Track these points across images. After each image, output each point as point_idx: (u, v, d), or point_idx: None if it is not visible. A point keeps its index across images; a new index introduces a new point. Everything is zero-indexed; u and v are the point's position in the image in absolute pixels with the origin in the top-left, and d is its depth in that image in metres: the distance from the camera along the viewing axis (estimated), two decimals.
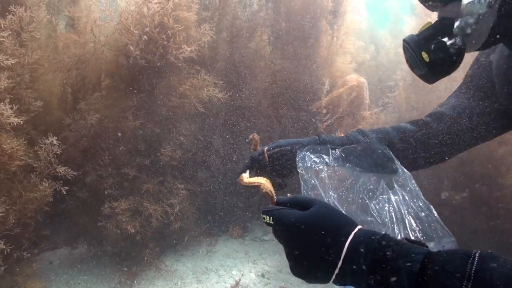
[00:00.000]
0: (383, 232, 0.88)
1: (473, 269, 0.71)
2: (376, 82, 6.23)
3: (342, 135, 1.57)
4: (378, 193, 1.28)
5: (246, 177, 1.23)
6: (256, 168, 1.50)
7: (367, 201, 1.27)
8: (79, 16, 3.71)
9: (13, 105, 3.04)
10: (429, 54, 1.10)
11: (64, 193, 3.24)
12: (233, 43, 4.58)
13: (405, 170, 1.33)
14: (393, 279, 0.77)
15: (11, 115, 2.98)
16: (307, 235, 0.90)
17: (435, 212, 1.20)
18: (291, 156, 1.46)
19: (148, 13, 3.69)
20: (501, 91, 1.39)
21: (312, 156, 1.42)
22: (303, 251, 0.91)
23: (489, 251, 0.75)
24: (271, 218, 0.98)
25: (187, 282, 4.07)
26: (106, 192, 3.61)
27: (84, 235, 4.04)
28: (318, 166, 1.38)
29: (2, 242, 2.92)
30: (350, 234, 0.88)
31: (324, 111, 4.52)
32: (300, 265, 0.93)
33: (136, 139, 3.79)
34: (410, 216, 1.19)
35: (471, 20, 1.00)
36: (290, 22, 4.75)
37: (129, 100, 3.78)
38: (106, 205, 3.55)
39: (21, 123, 3.05)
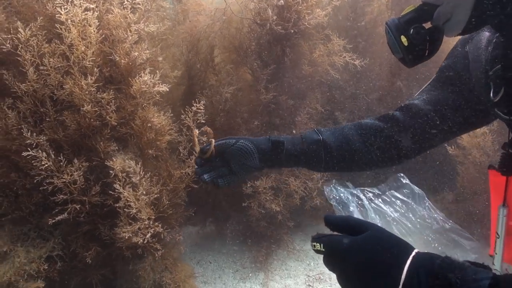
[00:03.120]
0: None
1: None
2: None
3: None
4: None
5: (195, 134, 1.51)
6: (205, 158, 1.42)
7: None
8: None
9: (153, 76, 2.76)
10: (407, 38, 1.07)
11: None
12: (352, 7, 4.12)
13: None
14: None
15: (157, 84, 2.70)
16: (363, 262, 0.83)
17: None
18: (234, 148, 1.38)
19: None
20: (478, 83, 1.26)
21: (339, 188, 1.53)
22: (359, 278, 0.83)
23: None
24: (322, 245, 0.88)
25: (320, 263, 3.73)
26: None
27: (213, 215, 3.80)
28: (347, 197, 1.53)
29: (159, 225, 2.68)
30: (408, 258, 0.80)
31: None
32: None
33: (270, 112, 3.45)
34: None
35: (451, 4, 0.99)
36: None
37: (260, 71, 3.42)
38: (248, 185, 3.25)
39: (167, 90, 2.76)
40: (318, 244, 0.90)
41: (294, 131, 3.50)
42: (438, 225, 1.96)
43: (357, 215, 1.74)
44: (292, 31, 3.35)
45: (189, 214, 3.10)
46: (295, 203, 3.46)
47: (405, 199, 1.98)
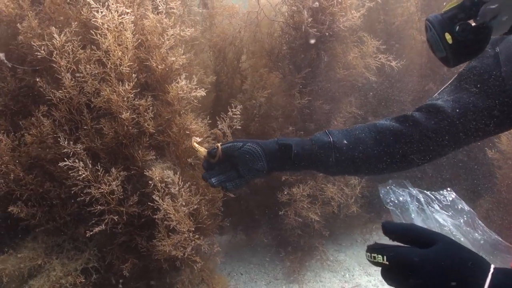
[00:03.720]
0: None
1: None
2: None
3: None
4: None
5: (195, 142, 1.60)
6: (213, 161, 1.42)
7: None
8: None
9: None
10: (452, 36, 1.01)
11: None
12: (384, 9, 3.99)
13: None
14: None
15: (194, 89, 2.59)
16: (438, 279, 0.75)
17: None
18: (242, 152, 1.34)
19: None
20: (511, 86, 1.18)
21: (397, 190, 1.37)
22: None
23: None
24: (385, 257, 0.78)
25: (355, 274, 3.57)
26: (283, 178, 3.17)
27: (243, 223, 3.67)
28: (405, 200, 1.37)
29: (201, 238, 2.56)
30: (487, 275, 0.73)
31: None
32: None
33: (305, 118, 3.32)
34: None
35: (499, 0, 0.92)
36: None
37: (294, 76, 3.30)
38: (285, 192, 3.12)
39: (204, 94, 2.66)
40: (380, 256, 0.80)
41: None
42: (492, 248, 1.81)
43: (419, 222, 1.59)
44: (327, 33, 3.23)
45: (224, 224, 2.98)
46: (330, 211, 3.32)
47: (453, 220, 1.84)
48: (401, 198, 1.55)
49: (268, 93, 3.09)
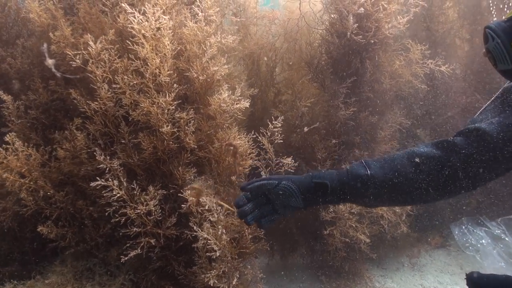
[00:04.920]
0: None
1: None
2: None
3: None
4: None
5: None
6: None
7: None
8: None
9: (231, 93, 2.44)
10: None
11: None
12: (428, 16, 3.74)
13: None
14: None
15: (237, 100, 2.36)
16: None
17: None
18: (277, 189, 1.28)
19: None
20: None
21: (474, 230, 1.30)
22: None
23: None
24: None
25: None
26: None
27: (281, 244, 3.38)
28: (487, 242, 1.27)
29: (248, 267, 2.30)
30: None
31: None
32: None
33: (348, 130, 3.06)
34: None
35: None
36: None
37: (337, 86, 3.06)
38: (330, 209, 2.84)
39: (248, 106, 2.43)
40: None
41: (374, 150, 3.10)
42: None
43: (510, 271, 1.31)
44: (372, 41, 2.99)
45: (265, 248, 2.70)
46: (377, 231, 3.02)
47: None
48: (483, 241, 1.33)
49: (311, 102, 2.84)
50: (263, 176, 1.95)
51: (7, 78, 2.72)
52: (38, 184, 2.29)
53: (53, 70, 2.14)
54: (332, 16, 3.05)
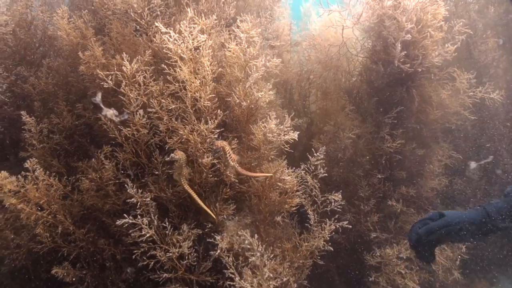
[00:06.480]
0: None
1: None
2: None
3: None
4: None
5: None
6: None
7: None
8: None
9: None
10: None
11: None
12: (472, 44, 3.53)
13: None
14: None
15: (285, 131, 2.08)
16: None
17: None
18: (458, 237, 1.36)
19: (409, 7, 2.77)
20: None
21: None
22: None
23: None
24: None
25: None
26: (371, 236, 2.56)
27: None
28: None
29: None
30: None
31: None
32: None
33: (394, 164, 2.76)
34: None
35: None
36: None
37: (382, 115, 2.79)
38: (376, 253, 2.50)
39: (296, 138, 2.13)
40: None
41: (422, 187, 2.79)
42: None
43: None
44: (420, 69, 2.75)
45: None
46: (427, 278, 2.66)
47: None
48: None
49: (355, 134, 2.56)
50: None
51: (29, 100, 2.49)
52: (57, 219, 2.00)
53: (115, 119, 1.88)
54: (375, 43, 2.83)
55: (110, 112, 1.87)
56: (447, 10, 2.84)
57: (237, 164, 1.95)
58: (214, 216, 1.98)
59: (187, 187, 1.88)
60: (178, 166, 1.86)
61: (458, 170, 3.11)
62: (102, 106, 1.87)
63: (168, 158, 1.88)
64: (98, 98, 1.89)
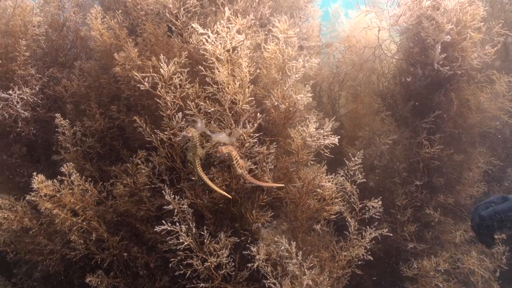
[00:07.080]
0: None
1: None
2: None
3: None
4: None
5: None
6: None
7: None
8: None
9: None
10: None
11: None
12: (505, 45, 3.39)
13: None
14: None
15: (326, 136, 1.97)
16: None
17: None
18: None
19: (449, 7, 2.65)
20: None
21: None
22: None
23: None
24: None
25: None
26: (409, 246, 2.44)
27: None
28: None
29: None
30: None
31: None
32: None
33: (432, 170, 2.64)
34: None
35: None
36: None
37: (419, 119, 2.68)
38: (413, 265, 2.38)
39: (336, 142, 2.02)
40: None
41: (460, 194, 2.66)
42: None
43: None
44: (459, 72, 2.63)
45: None
46: None
47: None
48: None
49: (392, 140, 2.45)
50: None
51: (61, 102, 2.46)
52: (91, 225, 1.94)
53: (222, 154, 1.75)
54: (412, 44, 2.71)
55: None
56: (485, 10, 2.71)
57: (245, 172, 1.82)
58: (229, 196, 1.84)
59: (199, 170, 1.74)
60: (193, 146, 1.70)
61: (495, 177, 2.97)
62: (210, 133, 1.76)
63: (179, 138, 1.75)
64: (201, 124, 1.76)
